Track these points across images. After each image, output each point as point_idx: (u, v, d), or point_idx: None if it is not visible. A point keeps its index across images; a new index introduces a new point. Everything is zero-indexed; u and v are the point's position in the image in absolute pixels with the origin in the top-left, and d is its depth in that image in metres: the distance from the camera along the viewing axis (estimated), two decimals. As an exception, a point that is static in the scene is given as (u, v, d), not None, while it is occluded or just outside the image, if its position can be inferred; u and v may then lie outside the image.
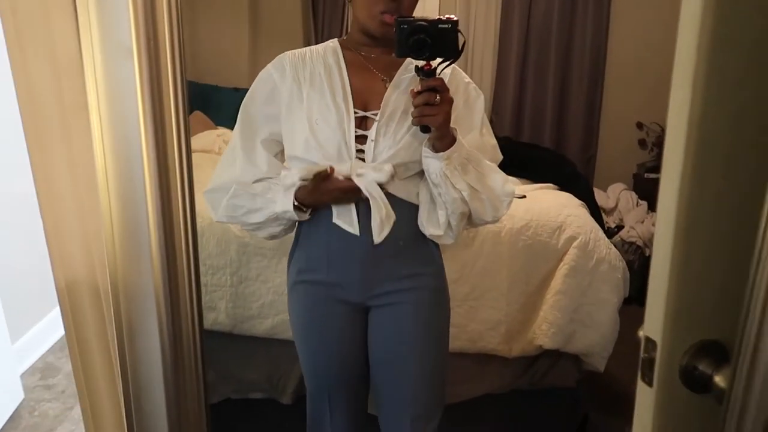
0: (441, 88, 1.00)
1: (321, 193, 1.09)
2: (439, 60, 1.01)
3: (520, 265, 1.77)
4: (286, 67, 1.14)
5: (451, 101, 1.03)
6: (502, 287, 1.79)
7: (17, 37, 0.60)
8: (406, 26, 0.98)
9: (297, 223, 1.20)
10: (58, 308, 2.44)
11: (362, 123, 1.11)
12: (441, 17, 0.98)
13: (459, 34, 0.99)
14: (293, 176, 1.09)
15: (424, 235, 1.16)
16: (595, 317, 1.74)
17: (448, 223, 1.12)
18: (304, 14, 4.02)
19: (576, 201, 1.93)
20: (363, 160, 1.10)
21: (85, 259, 0.75)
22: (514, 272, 1.78)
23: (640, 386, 0.71)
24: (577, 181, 2.16)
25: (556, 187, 2.11)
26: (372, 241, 1.11)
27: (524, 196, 1.92)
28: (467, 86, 1.17)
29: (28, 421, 1.97)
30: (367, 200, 1.09)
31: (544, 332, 1.74)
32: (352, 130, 1.09)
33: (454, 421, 1.65)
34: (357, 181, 1.07)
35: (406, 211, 1.13)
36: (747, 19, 0.56)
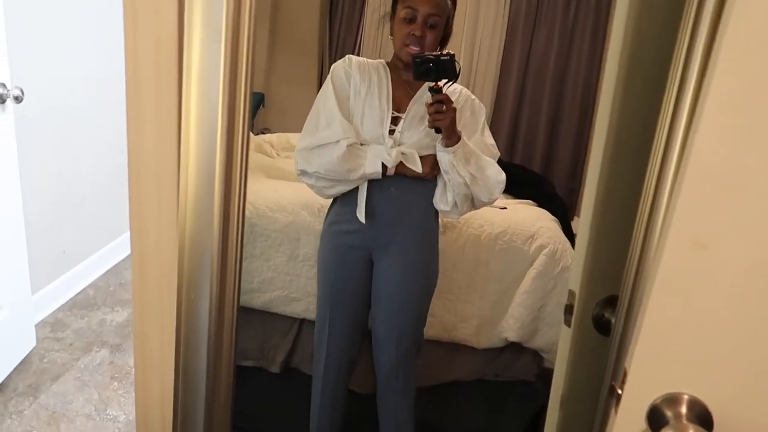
0: (446, 101, 1.41)
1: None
2: (444, 81, 1.41)
3: (495, 266, 2.00)
4: (352, 62, 1.57)
5: (454, 110, 1.42)
6: (477, 285, 2.02)
7: (133, 15, 0.83)
8: (418, 59, 1.39)
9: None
10: (73, 270, 2.65)
11: (395, 120, 1.53)
12: (443, 52, 1.40)
13: (456, 63, 1.39)
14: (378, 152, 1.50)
15: (430, 213, 1.58)
16: (556, 317, 1.97)
17: (455, 203, 1.51)
18: (320, 25, 4.25)
19: (550, 216, 2.16)
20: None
21: (159, 213, 0.94)
22: (489, 272, 2.01)
23: (563, 328, 0.94)
24: (553, 200, 2.40)
25: (534, 204, 2.35)
26: (389, 206, 1.54)
27: (505, 208, 2.15)
28: (473, 101, 1.60)
29: (38, 366, 2.17)
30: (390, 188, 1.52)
31: (510, 326, 1.97)
32: (387, 125, 1.52)
33: (426, 403, 1.86)
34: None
35: (420, 187, 1.53)
36: (644, 62, 0.81)
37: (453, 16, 1.55)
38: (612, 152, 0.86)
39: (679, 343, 0.61)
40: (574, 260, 0.91)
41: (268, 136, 3.32)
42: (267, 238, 2.04)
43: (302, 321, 2.09)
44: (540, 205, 2.32)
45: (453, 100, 1.50)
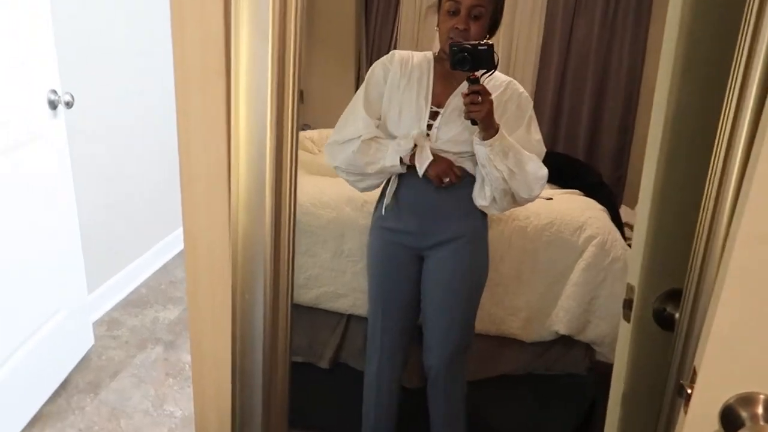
0: (482, 92, 1.37)
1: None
2: (482, 71, 1.38)
3: (543, 258, 1.96)
4: (394, 58, 1.56)
5: (491, 102, 1.38)
6: (525, 277, 1.98)
7: (180, 17, 0.84)
8: (456, 48, 1.36)
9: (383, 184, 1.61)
10: (126, 269, 2.73)
11: (434, 116, 1.50)
12: (480, 42, 1.37)
13: (494, 53, 1.36)
14: (399, 146, 1.51)
15: (477, 208, 1.55)
16: (608, 310, 1.92)
17: (494, 198, 1.48)
18: (356, 20, 4.24)
19: (598, 206, 2.11)
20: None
21: (210, 214, 0.95)
22: (536, 264, 1.97)
23: (621, 323, 0.92)
24: (601, 189, 2.34)
25: (581, 193, 2.30)
26: (436, 203, 1.53)
27: (551, 198, 2.11)
28: (520, 95, 1.54)
29: (97, 363, 2.25)
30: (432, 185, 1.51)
31: (560, 319, 1.93)
32: (425, 121, 1.50)
33: (473, 397, 1.84)
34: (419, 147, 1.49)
35: (466, 181, 1.51)
36: (704, 49, 0.77)
37: (503, 1, 1.50)
38: (670, 138, 0.82)
39: (754, 341, 0.59)
40: (632, 253, 0.89)
41: (308, 133, 3.34)
42: (311, 234, 2.05)
43: (349, 316, 2.10)
44: (587, 194, 2.27)
45: (499, 92, 1.49)
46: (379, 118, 1.56)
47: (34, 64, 1.86)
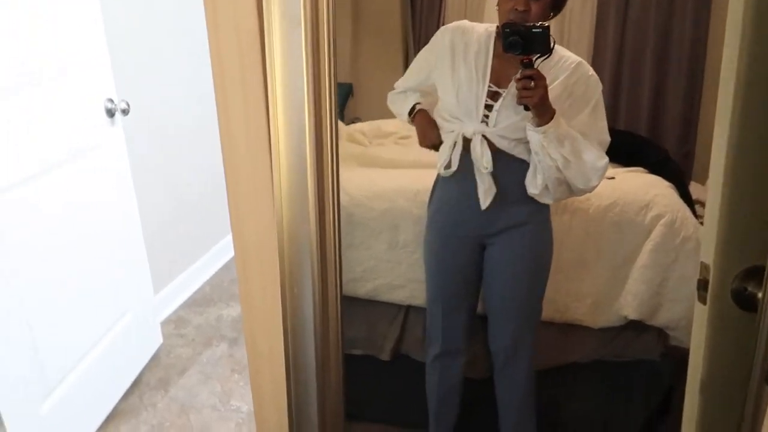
0: (536, 77, 1.28)
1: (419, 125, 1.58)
2: (537, 55, 1.31)
3: (607, 241, 1.87)
4: (448, 30, 1.51)
5: (545, 87, 1.30)
6: (589, 261, 1.89)
7: (214, 16, 0.83)
8: (508, 30, 1.29)
9: (437, 175, 1.59)
10: (189, 269, 2.80)
11: (493, 95, 1.43)
12: (535, 23, 1.29)
13: (550, 36, 1.28)
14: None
15: None
16: (681, 292, 1.80)
17: (546, 186, 1.41)
18: (402, 9, 4.20)
19: (665, 183, 1.98)
20: (487, 124, 1.42)
21: (256, 211, 0.95)
22: (600, 247, 1.88)
23: (696, 305, 0.84)
24: (667, 165, 2.21)
25: (646, 171, 2.17)
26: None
27: (613, 178, 2.00)
28: (589, 77, 1.43)
29: (166, 362, 2.32)
30: (494, 155, 1.44)
31: (628, 303, 1.83)
32: (482, 100, 1.43)
33: (542, 387, 1.78)
34: (474, 145, 1.43)
35: (523, 167, 1.44)
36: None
37: None
38: (742, 106, 0.74)
39: None
40: (704, 230, 0.81)
41: (359, 125, 3.33)
42: (365, 226, 2.04)
43: (408, 307, 2.07)
44: (652, 171, 2.14)
45: (566, 74, 1.39)
46: (419, 86, 1.61)
47: (90, 74, 1.92)
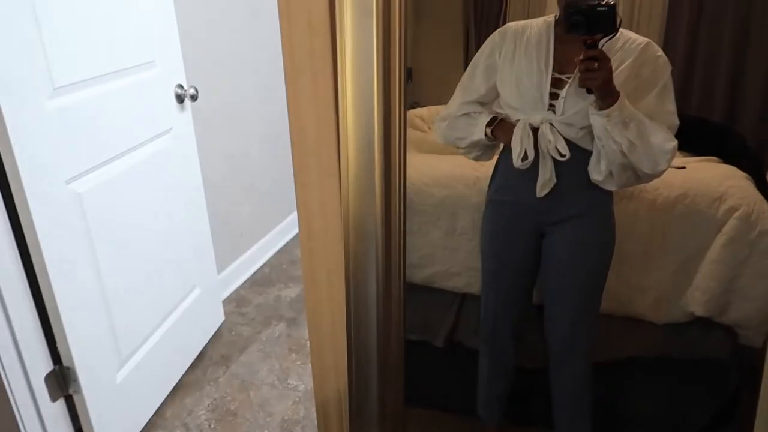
0: (600, 57, 1.24)
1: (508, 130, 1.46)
2: (601, 35, 1.24)
3: (675, 234, 1.80)
4: (507, 33, 1.44)
5: (610, 69, 1.25)
6: (654, 254, 1.83)
7: (287, 10, 0.84)
8: (571, 9, 1.23)
9: (498, 159, 1.56)
10: (250, 250, 2.89)
11: (557, 83, 1.39)
12: (601, 1, 1.22)
13: (616, 15, 1.22)
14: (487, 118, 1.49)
15: None
16: (754, 290, 1.72)
17: (610, 172, 1.37)
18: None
19: (740, 173, 1.89)
20: (554, 112, 1.38)
21: (322, 194, 0.97)
22: (667, 240, 1.81)
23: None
24: (744, 154, 2.10)
25: (720, 160, 2.07)
26: (555, 174, 1.42)
27: (684, 167, 1.92)
28: (657, 59, 1.38)
29: (227, 338, 2.41)
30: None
31: (696, 299, 1.77)
32: (547, 89, 1.39)
33: (600, 381, 1.74)
34: (542, 134, 1.39)
35: (585, 153, 1.41)
36: None
37: None
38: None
39: None
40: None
41: (418, 111, 3.31)
42: (424, 213, 2.04)
43: (464, 295, 2.07)
44: (727, 161, 2.04)
45: (633, 57, 1.34)
46: (484, 96, 1.52)
47: (162, 62, 1.99)
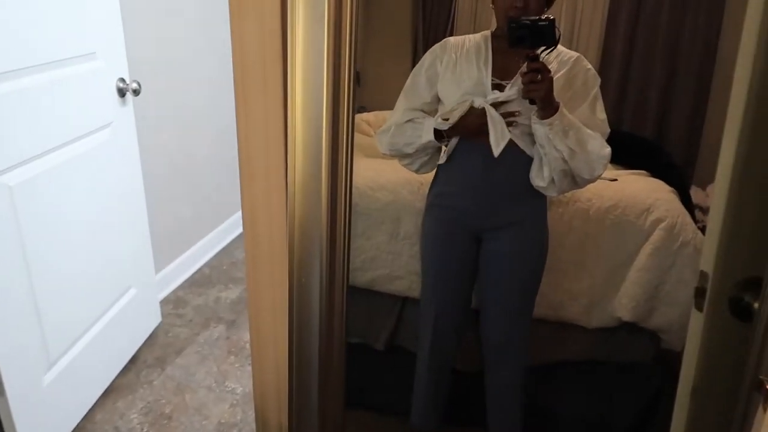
0: (542, 70, 1.29)
1: (461, 123, 1.46)
2: (541, 48, 1.30)
3: (606, 242, 1.89)
4: (447, 45, 1.49)
5: (551, 80, 1.30)
6: (587, 262, 1.92)
7: (239, 10, 0.84)
8: (514, 25, 1.29)
9: (439, 164, 1.58)
10: (189, 250, 2.82)
11: (498, 88, 1.44)
12: (541, 17, 1.29)
13: (556, 29, 1.28)
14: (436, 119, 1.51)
15: (536, 189, 1.49)
16: (676, 297, 1.83)
17: (552, 179, 1.42)
18: (413, 6, 4.19)
19: (667, 187, 2.01)
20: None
21: (268, 196, 0.96)
22: (599, 248, 1.90)
23: (693, 312, 0.87)
24: (670, 170, 2.23)
25: (648, 174, 2.19)
26: (493, 184, 1.48)
27: (616, 179, 2.02)
28: (587, 71, 1.47)
29: (164, 340, 2.34)
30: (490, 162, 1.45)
31: (623, 306, 1.86)
32: (489, 84, 1.44)
33: (532, 383, 1.81)
34: (488, 109, 1.42)
35: (525, 161, 1.46)
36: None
37: None
38: (754, 114, 0.76)
39: None
40: (706, 238, 0.83)
41: (365, 115, 3.33)
42: (368, 217, 2.06)
43: (405, 299, 2.10)
44: (655, 175, 2.16)
45: (567, 68, 1.43)
46: (429, 105, 1.56)
47: (104, 54, 1.92)
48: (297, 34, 0.78)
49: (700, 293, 0.83)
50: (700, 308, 0.83)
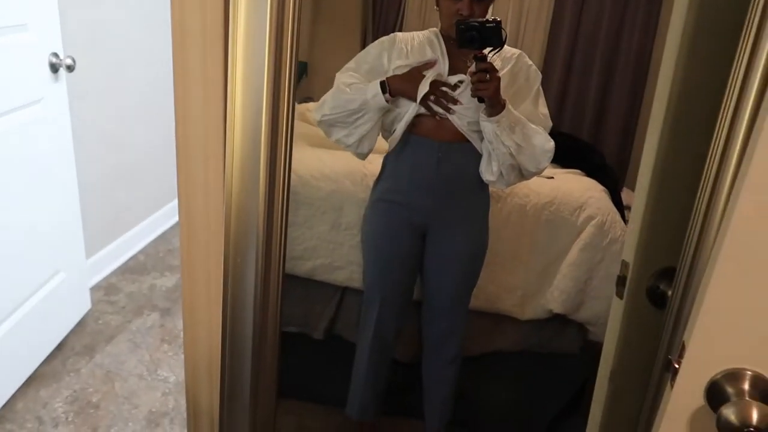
0: (490, 69, 1.34)
1: (409, 76, 1.46)
2: (489, 49, 1.35)
3: (541, 237, 1.96)
4: (396, 38, 1.50)
5: (498, 80, 1.35)
6: (522, 256, 1.98)
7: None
8: (462, 26, 1.32)
9: (385, 158, 1.60)
10: (124, 236, 2.73)
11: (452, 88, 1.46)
12: (488, 18, 1.33)
13: (502, 30, 1.33)
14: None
15: (481, 183, 1.54)
16: (603, 290, 1.92)
17: (501, 173, 1.47)
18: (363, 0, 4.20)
19: (599, 186, 2.10)
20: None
21: (206, 180, 0.94)
22: (534, 243, 1.97)
23: (614, 299, 0.91)
24: (603, 170, 2.33)
25: (583, 174, 2.28)
26: (441, 179, 1.50)
27: (552, 177, 2.09)
28: (529, 67, 1.53)
29: (93, 328, 2.26)
30: (446, 144, 1.49)
31: (555, 298, 1.94)
32: (446, 71, 1.46)
33: (468, 372, 1.85)
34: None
35: (472, 157, 1.50)
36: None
37: None
38: (673, 118, 0.81)
39: (744, 317, 0.58)
40: (628, 231, 0.88)
41: (311, 105, 3.31)
42: (310, 206, 2.05)
43: (345, 289, 2.11)
44: (589, 174, 2.25)
45: (510, 65, 1.47)
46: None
47: (36, 27, 1.83)
48: (239, 15, 0.77)
49: (621, 282, 0.88)
50: (620, 296, 0.88)
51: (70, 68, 1.98)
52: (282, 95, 0.85)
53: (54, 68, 1.92)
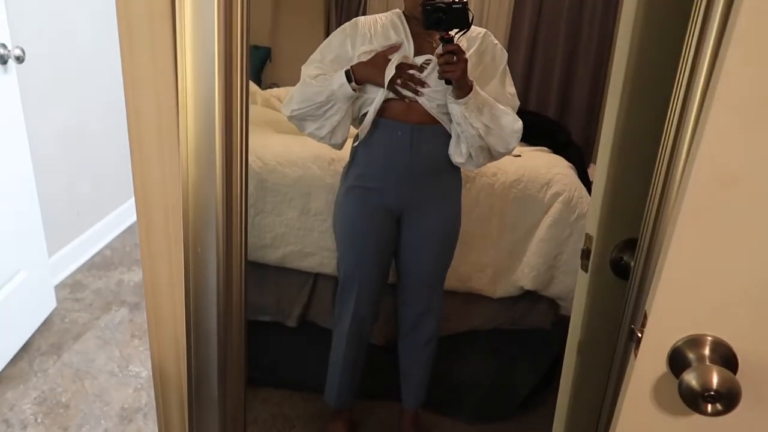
0: (457, 51, 1.32)
1: (374, 62, 1.44)
2: (455, 30, 1.33)
3: (510, 215, 1.97)
4: (358, 24, 1.47)
5: (465, 61, 1.33)
6: (492, 234, 1.99)
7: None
8: (429, 7, 1.30)
9: (354, 145, 1.57)
10: (88, 231, 2.66)
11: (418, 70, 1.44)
12: (454, 0, 1.30)
13: (469, 11, 1.30)
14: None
15: (453, 166, 1.53)
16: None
17: (470, 154, 1.47)
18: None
19: (565, 163, 2.11)
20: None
21: (161, 169, 0.91)
22: (503, 221, 1.98)
23: (579, 273, 0.92)
24: (569, 147, 2.35)
25: (550, 151, 2.30)
26: (414, 162, 1.49)
27: (520, 155, 2.10)
28: (495, 47, 1.52)
29: (60, 326, 2.21)
30: (417, 126, 1.47)
31: (525, 275, 1.95)
32: (411, 53, 1.44)
33: (442, 352, 1.86)
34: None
35: (445, 139, 1.49)
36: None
37: None
38: (630, 91, 0.81)
39: (703, 284, 0.59)
40: (591, 204, 0.88)
41: (275, 91, 3.26)
42: (278, 193, 2.02)
43: (317, 275, 2.09)
44: (555, 152, 2.27)
45: (476, 45, 1.46)
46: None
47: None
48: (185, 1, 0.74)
49: (585, 255, 0.89)
50: (585, 269, 0.89)
51: (19, 59, 1.90)
52: (234, 79, 0.83)
53: (2, 60, 1.85)
